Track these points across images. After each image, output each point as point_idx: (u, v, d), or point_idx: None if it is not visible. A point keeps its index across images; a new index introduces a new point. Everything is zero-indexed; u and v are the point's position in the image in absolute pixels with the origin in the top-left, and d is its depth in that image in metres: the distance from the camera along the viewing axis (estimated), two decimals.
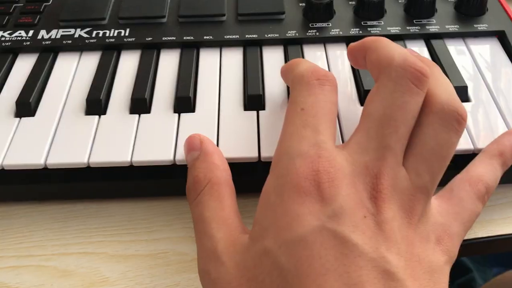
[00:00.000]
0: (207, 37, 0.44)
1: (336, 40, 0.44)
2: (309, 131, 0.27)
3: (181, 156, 0.35)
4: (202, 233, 0.29)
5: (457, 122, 0.27)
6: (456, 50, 0.43)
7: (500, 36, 0.44)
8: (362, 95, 0.39)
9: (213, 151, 0.32)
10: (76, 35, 0.45)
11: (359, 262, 0.23)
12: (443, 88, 0.28)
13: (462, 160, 0.33)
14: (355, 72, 0.41)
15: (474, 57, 0.42)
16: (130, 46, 0.44)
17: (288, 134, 0.28)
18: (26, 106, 0.39)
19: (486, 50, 0.43)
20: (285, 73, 0.35)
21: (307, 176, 0.25)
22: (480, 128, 0.36)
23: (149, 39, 0.44)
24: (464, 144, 0.35)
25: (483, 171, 0.31)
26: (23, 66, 0.43)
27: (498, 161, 0.32)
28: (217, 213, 0.29)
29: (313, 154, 0.26)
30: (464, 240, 0.34)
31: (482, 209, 0.30)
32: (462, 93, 0.38)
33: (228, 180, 0.31)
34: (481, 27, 0.44)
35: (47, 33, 0.45)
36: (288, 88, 0.40)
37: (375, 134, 0.27)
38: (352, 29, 0.44)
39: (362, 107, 0.38)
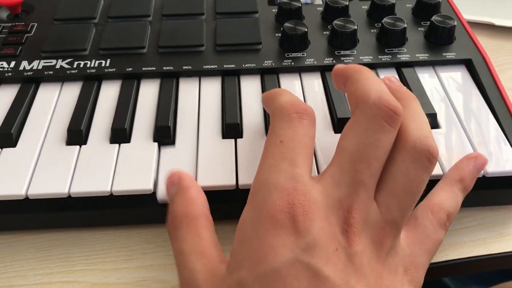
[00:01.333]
0: (186, 67, 0.45)
1: (310, 69, 0.45)
2: (286, 164, 0.28)
3: (161, 184, 0.36)
4: (182, 266, 0.29)
5: (428, 160, 0.28)
6: (426, 77, 0.45)
7: (468, 64, 0.46)
8: (336, 122, 0.40)
9: (189, 185, 0.33)
10: (58, 66, 0.45)
11: None
12: (416, 125, 0.30)
13: (432, 185, 0.34)
14: (329, 101, 0.42)
15: (443, 84, 0.44)
16: (110, 76, 0.45)
17: (267, 166, 0.29)
18: (7, 137, 0.39)
19: (455, 78, 0.45)
20: (266, 102, 0.36)
21: (283, 209, 0.26)
22: (450, 153, 0.38)
23: (130, 69, 0.45)
24: (434, 170, 0.36)
25: (444, 198, 0.32)
26: (5, 97, 0.44)
27: (459, 187, 0.33)
28: (195, 246, 0.30)
29: (289, 187, 0.27)
30: (435, 263, 0.36)
31: (445, 236, 0.31)
32: (432, 119, 0.40)
33: (205, 213, 0.32)
34: (450, 55, 0.46)
35: (29, 64, 0.46)
36: (265, 116, 0.41)
37: (348, 169, 0.28)
38: (326, 59, 0.45)
39: (335, 134, 0.40)
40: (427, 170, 0.29)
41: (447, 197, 0.32)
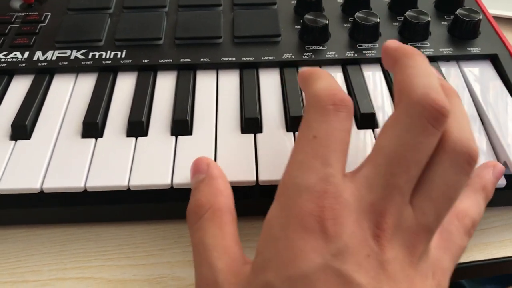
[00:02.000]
0: (204, 60, 0.44)
1: (331, 62, 0.44)
2: (318, 163, 0.26)
3: (178, 179, 0.35)
4: (202, 260, 0.28)
5: (468, 164, 0.27)
6: (450, 73, 0.44)
7: (493, 59, 0.45)
8: (359, 118, 0.39)
9: (218, 175, 0.32)
10: (72, 57, 0.45)
11: None
12: (458, 123, 0.28)
13: None
14: (351, 95, 0.41)
15: (467, 80, 0.43)
16: (126, 68, 0.44)
17: (298, 162, 0.27)
18: (21, 129, 0.39)
19: (480, 73, 0.44)
20: (302, 84, 0.33)
21: (312, 212, 0.25)
22: None
23: (146, 61, 0.44)
24: None
25: (469, 205, 0.31)
26: (19, 88, 0.43)
27: (482, 195, 0.32)
28: (219, 241, 0.28)
29: (319, 189, 0.25)
30: (462, 263, 0.35)
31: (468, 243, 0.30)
32: None
33: (230, 207, 0.31)
34: (475, 50, 0.45)
35: (43, 54, 0.45)
36: (285, 111, 0.40)
37: (384, 171, 0.26)
38: (347, 52, 0.44)
39: (359, 130, 0.39)
40: (466, 174, 0.27)
41: (472, 204, 0.31)
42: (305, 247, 0.24)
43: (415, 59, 0.29)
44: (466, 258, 0.35)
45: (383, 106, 0.40)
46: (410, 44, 0.45)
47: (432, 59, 0.44)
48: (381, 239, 0.25)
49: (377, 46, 0.45)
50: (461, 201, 0.31)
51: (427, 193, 0.26)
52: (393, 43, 0.31)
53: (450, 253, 0.29)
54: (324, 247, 0.24)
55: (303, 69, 0.33)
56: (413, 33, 0.45)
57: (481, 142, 0.38)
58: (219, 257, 0.28)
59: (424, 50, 0.44)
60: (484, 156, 0.37)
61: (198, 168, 0.33)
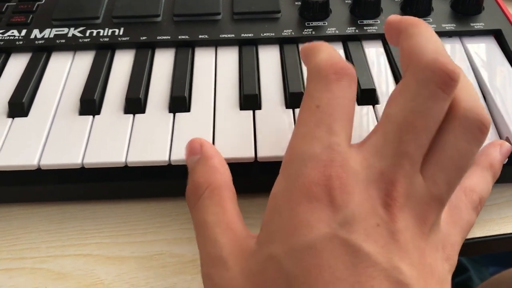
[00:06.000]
0: (202, 36, 0.43)
1: (332, 39, 0.43)
2: (323, 132, 0.26)
3: (176, 156, 0.35)
4: (205, 239, 0.28)
5: (480, 131, 0.26)
6: (452, 49, 0.43)
7: (497, 35, 0.44)
8: (359, 94, 0.38)
9: (213, 154, 0.31)
10: (70, 35, 0.44)
11: (372, 273, 0.22)
12: (468, 93, 0.27)
13: None
14: None
15: (470, 56, 0.42)
16: (124, 46, 0.43)
17: (301, 133, 0.27)
18: (19, 106, 0.38)
19: (483, 49, 0.43)
20: (304, 58, 0.32)
21: (318, 181, 0.24)
22: None
23: (144, 38, 0.43)
24: None
25: (477, 182, 0.31)
26: (16, 65, 0.43)
27: (490, 173, 0.32)
28: (220, 217, 0.28)
29: (325, 158, 0.25)
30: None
31: (475, 220, 0.30)
32: None
33: (228, 183, 0.30)
34: (478, 26, 0.44)
35: (40, 32, 0.44)
36: (284, 88, 0.39)
37: (393, 138, 0.25)
38: (348, 28, 0.43)
39: (358, 106, 0.38)
40: (478, 142, 0.26)
41: (480, 181, 0.31)
42: (311, 217, 0.23)
43: (421, 27, 0.28)
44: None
45: (384, 82, 0.40)
46: None
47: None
48: (391, 208, 0.24)
49: (378, 22, 0.44)
50: (468, 177, 0.31)
51: (438, 162, 0.25)
52: (395, 17, 0.31)
53: (459, 228, 0.28)
54: (331, 216, 0.23)
55: (305, 44, 0.32)
56: (415, 9, 0.44)
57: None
58: (222, 233, 0.27)
59: None
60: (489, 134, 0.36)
61: (192, 149, 0.32)
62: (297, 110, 0.37)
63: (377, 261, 0.22)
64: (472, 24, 0.44)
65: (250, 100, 0.38)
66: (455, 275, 0.80)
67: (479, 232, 0.35)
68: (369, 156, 0.25)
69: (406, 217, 0.24)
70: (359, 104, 0.38)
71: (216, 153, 0.32)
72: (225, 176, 0.30)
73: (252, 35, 0.43)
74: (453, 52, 0.43)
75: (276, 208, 0.25)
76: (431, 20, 0.44)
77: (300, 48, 0.34)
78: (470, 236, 0.35)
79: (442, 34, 0.44)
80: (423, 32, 0.28)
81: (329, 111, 0.26)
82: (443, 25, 0.44)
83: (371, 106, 0.38)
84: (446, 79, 0.25)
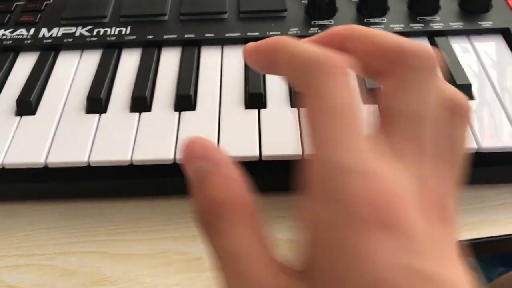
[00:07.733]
0: (209, 35, 0.43)
1: None
2: (350, 137, 0.21)
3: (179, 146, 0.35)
4: (229, 271, 0.22)
5: (466, 111, 0.23)
6: (460, 47, 0.43)
7: (505, 33, 0.43)
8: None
9: (225, 160, 0.23)
10: (77, 34, 0.44)
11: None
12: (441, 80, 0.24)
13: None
14: None
15: (478, 54, 0.42)
16: (131, 44, 0.44)
17: (325, 140, 0.21)
18: (27, 105, 0.39)
19: (491, 48, 0.43)
20: (276, 54, 0.25)
21: (367, 201, 0.20)
22: (484, 127, 0.36)
23: (150, 37, 0.44)
24: (468, 143, 0.34)
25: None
26: (24, 64, 0.43)
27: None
28: (251, 246, 0.22)
29: (362, 170, 0.20)
30: (470, 240, 0.34)
31: None
32: (466, 91, 0.38)
33: (250, 196, 0.23)
34: (486, 24, 0.44)
35: (48, 31, 0.45)
36: (289, 86, 0.39)
37: (418, 136, 0.22)
38: None
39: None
40: (461, 124, 0.23)
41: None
42: (369, 247, 0.19)
43: (364, 29, 0.25)
44: (472, 235, 0.35)
45: None
46: (420, 19, 0.44)
47: (442, 33, 0.43)
48: (445, 220, 0.21)
49: (385, 20, 0.44)
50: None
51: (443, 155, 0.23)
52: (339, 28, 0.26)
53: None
54: (393, 242, 0.19)
55: (250, 45, 0.26)
56: (423, 7, 0.44)
57: (502, 121, 0.37)
58: (258, 268, 0.21)
59: (434, 24, 0.43)
60: (489, 126, 0.36)
61: (194, 152, 0.24)
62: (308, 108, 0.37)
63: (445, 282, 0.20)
64: (480, 23, 0.44)
65: (255, 99, 0.38)
66: None
67: (484, 232, 0.35)
68: (409, 163, 0.22)
69: (455, 226, 0.22)
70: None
71: (227, 158, 0.24)
72: (245, 187, 0.23)
73: (258, 33, 0.43)
74: (461, 50, 0.42)
75: (321, 239, 0.21)
76: (438, 19, 0.44)
77: (245, 51, 0.25)
78: (477, 236, 0.35)
79: (449, 32, 0.43)
80: (376, 32, 0.25)
81: (349, 111, 0.22)
82: (451, 23, 0.44)
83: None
84: (433, 61, 0.23)
